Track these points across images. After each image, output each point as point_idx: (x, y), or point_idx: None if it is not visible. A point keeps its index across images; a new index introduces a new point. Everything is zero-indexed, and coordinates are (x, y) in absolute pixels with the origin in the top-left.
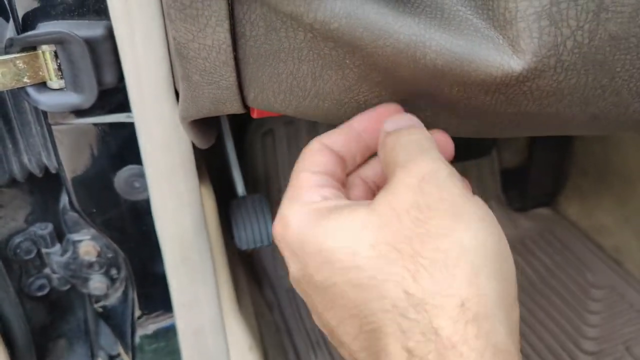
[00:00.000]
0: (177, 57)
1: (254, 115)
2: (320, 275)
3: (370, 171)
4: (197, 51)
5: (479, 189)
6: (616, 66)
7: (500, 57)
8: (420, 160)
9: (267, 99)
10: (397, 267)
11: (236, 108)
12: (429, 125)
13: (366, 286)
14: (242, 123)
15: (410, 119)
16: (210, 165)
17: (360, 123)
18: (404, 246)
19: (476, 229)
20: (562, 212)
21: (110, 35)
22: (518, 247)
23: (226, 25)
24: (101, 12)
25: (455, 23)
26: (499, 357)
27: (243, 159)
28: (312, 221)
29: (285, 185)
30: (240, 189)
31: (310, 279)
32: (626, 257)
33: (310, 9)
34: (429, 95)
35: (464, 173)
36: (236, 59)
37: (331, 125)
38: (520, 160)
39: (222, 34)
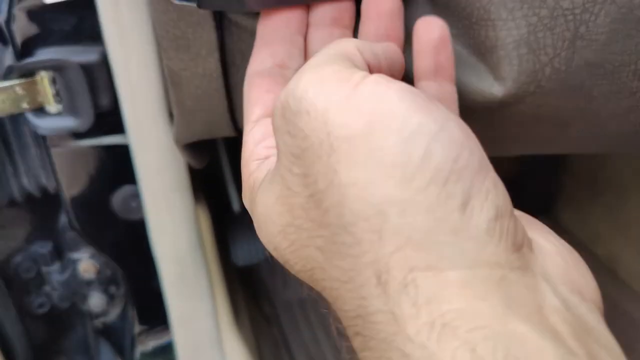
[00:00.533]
0: (170, 83)
1: None
2: None
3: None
4: (189, 79)
5: None
6: (593, 90)
7: (481, 83)
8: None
9: None
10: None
11: (229, 132)
12: None
13: None
14: (237, 138)
15: None
16: (205, 181)
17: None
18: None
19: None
20: (557, 221)
21: (105, 60)
22: None
23: (217, 55)
24: (96, 37)
25: None
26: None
27: (239, 174)
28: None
29: None
30: (236, 205)
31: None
32: (619, 266)
33: None
34: None
35: None
36: (227, 87)
37: None
38: (516, 170)
39: (213, 64)
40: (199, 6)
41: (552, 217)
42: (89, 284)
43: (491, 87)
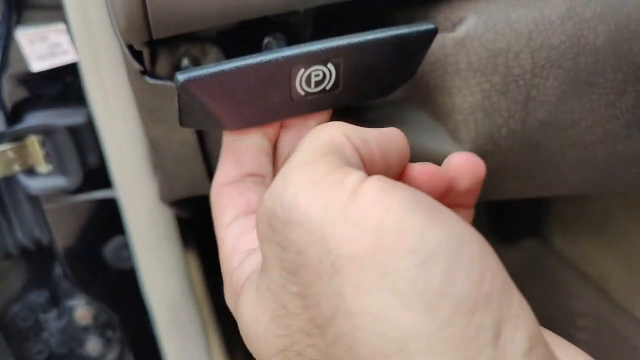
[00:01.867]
0: (151, 149)
1: None
2: None
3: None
4: (167, 146)
5: None
6: (549, 146)
7: (441, 146)
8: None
9: None
10: None
11: (208, 191)
12: None
13: None
14: None
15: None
16: (197, 223)
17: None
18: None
19: None
20: (547, 242)
21: (91, 122)
22: None
23: None
24: (82, 100)
25: (400, 116)
26: None
27: None
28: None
29: None
30: None
31: None
32: (610, 284)
33: None
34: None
35: None
36: (204, 152)
37: None
38: None
39: (189, 133)
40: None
41: (542, 238)
42: (85, 329)
43: (451, 149)
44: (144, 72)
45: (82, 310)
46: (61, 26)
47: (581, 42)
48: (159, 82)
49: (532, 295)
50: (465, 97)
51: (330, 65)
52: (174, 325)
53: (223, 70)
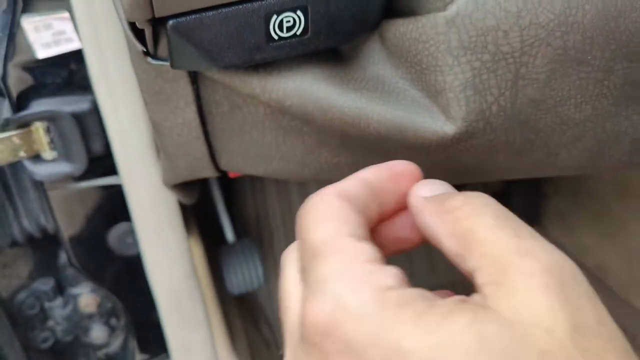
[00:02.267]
0: (154, 132)
1: (231, 175)
2: None
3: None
4: (170, 128)
5: None
6: (539, 124)
7: (434, 123)
8: (543, 250)
9: (237, 165)
10: None
11: (211, 173)
12: None
13: None
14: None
15: (445, 185)
16: (199, 211)
17: (376, 177)
18: None
19: None
20: (546, 233)
21: (96, 109)
22: None
23: (193, 106)
24: (87, 87)
25: (395, 94)
26: None
27: (232, 202)
28: (392, 316)
29: (276, 227)
30: (229, 235)
31: None
32: (608, 275)
33: (265, 90)
34: (381, 155)
35: None
36: (206, 133)
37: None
38: (502, 186)
39: (191, 114)
40: (172, 66)
41: (542, 231)
42: (90, 317)
43: (443, 126)
44: (147, 53)
45: (87, 298)
46: (65, 14)
47: (569, 20)
48: (161, 63)
49: None
50: (457, 74)
51: (299, 12)
52: (177, 311)
53: (207, 15)
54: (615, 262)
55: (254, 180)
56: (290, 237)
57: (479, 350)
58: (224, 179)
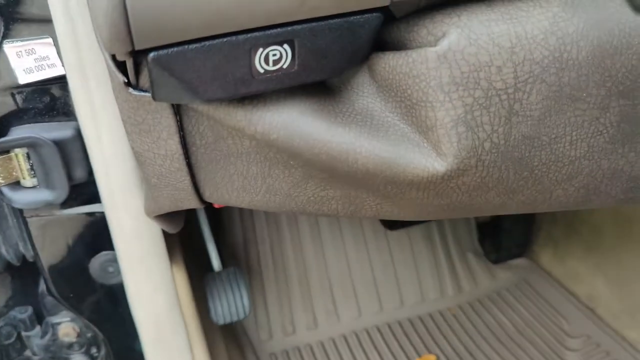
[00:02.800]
0: (137, 162)
1: (216, 206)
2: None
3: None
4: (153, 159)
5: (454, 241)
6: (533, 161)
7: (425, 159)
8: None
9: (222, 196)
10: None
11: (194, 204)
12: (374, 214)
13: None
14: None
15: None
16: (184, 237)
17: None
18: None
19: None
20: (537, 261)
21: (79, 135)
22: (495, 298)
23: (176, 138)
24: (70, 113)
25: (384, 129)
26: None
27: (220, 226)
28: None
29: (264, 254)
30: (215, 263)
31: None
32: (599, 304)
33: (250, 122)
34: (369, 190)
35: (440, 228)
36: (189, 165)
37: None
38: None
39: (174, 145)
40: (154, 99)
41: (532, 258)
42: (69, 346)
43: (434, 163)
44: (128, 84)
45: (66, 327)
46: (48, 39)
47: (564, 56)
48: (142, 94)
49: (521, 315)
50: (448, 110)
51: (285, 46)
52: (159, 341)
53: (189, 48)
54: (607, 292)
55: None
56: (278, 264)
57: None
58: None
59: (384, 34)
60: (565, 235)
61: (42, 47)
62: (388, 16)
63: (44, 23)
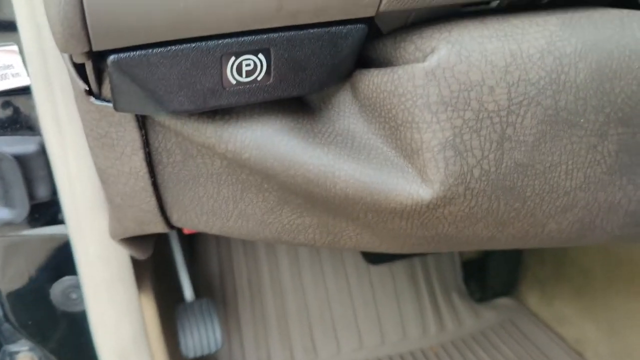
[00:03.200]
0: (100, 180)
1: (185, 232)
2: None
3: None
4: (116, 177)
5: (438, 278)
6: (526, 191)
7: (409, 186)
8: None
9: (190, 220)
10: None
11: (161, 228)
12: (354, 245)
13: None
14: None
15: None
16: (155, 264)
17: None
18: None
19: None
20: (523, 301)
21: (42, 151)
22: (479, 338)
23: (141, 154)
24: (34, 127)
25: (366, 151)
26: None
27: (196, 257)
28: None
29: (241, 287)
30: (187, 293)
31: None
32: (587, 348)
33: (221, 140)
34: (348, 218)
35: (423, 265)
36: (155, 184)
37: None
38: (479, 251)
39: (138, 162)
40: (115, 108)
41: (518, 298)
42: None
43: (419, 190)
44: (89, 92)
45: (24, 357)
46: (13, 47)
47: (562, 78)
48: (104, 104)
49: (506, 356)
50: (435, 133)
51: (260, 56)
52: None
53: (153, 52)
54: (596, 335)
55: (219, 236)
56: (255, 297)
57: None
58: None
59: (369, 51)
60: (553, 276)
61: (6, 55)
62: (374, 30)
63: (9, 29)
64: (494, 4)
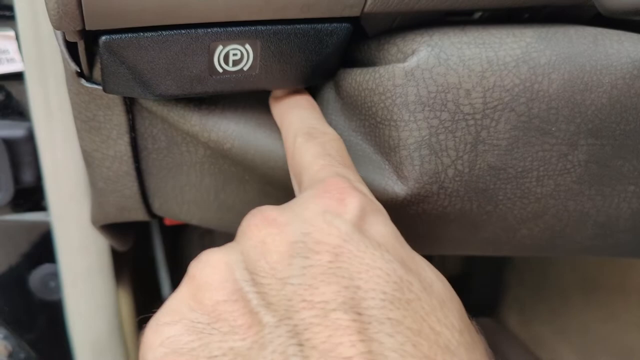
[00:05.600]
0: (84, 163)
1: (167, 222)
2: None
3: None
4: (100, 160)
5: None
6: (498, 194)
7: (384, 181)
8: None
9: (171, 209)
10: None
11: (141, 216)
12: None
13: None
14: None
15: None
16: (135, 258)
17: None
18: None
19: None
20: (503, 322)
21: (31, 137)
22: None
23: (127, 138)
24: (24, 113)
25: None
26: None
27: (178, 250)
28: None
29: None
30: (166, 290)
31: None
32: None
33: (205, 128)
34: None
35: None
36: (139, 170)
37: None
38: (462, 269)
39: (123, 146)
40: (105, 90)
41: (498, 319)
42: None
43: (394, 186)
44: (80, 74)
45: None
46: (10, 32)
47: (535, 87)
48: (94, 86)
49: None
50: (412, 131)
51: (247, 46)
52: None
53: (145, 35)
54: (570, 358)
55: (203, 239)
56: None
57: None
58: (167, 230)
59: (355, 52)
60: (532, 299)
61: (2, 40)
62: (360, 32)
63: (7, 14)
64: (476, 16)
